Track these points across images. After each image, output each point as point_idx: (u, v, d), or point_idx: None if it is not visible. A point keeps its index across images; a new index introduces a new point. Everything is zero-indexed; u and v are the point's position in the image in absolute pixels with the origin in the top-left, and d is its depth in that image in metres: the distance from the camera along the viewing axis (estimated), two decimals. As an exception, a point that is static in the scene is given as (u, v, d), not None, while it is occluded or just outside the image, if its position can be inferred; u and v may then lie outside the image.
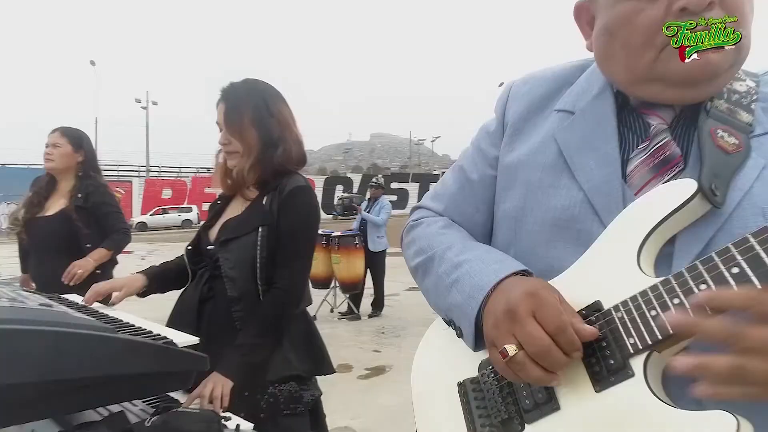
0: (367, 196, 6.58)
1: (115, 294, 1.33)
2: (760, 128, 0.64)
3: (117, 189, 33.69)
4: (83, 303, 1.26)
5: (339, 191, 36.81)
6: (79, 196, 2.45)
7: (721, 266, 0.51)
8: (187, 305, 1.34)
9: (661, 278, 0.56)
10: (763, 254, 0.49)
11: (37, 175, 2.66)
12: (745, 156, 0.62)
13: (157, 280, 1.41)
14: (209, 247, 1.36)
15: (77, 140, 2.50)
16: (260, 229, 1.30)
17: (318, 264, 5.82)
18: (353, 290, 5.96)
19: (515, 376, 0.61)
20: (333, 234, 5.99)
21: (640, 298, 0.57)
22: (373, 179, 6.53)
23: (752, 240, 0.50)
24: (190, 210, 31.60)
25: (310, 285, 1.60)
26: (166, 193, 34.25)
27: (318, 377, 1.45)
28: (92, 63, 29.65)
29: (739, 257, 0.51)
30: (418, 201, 1.07)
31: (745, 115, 0.65)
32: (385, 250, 6.03)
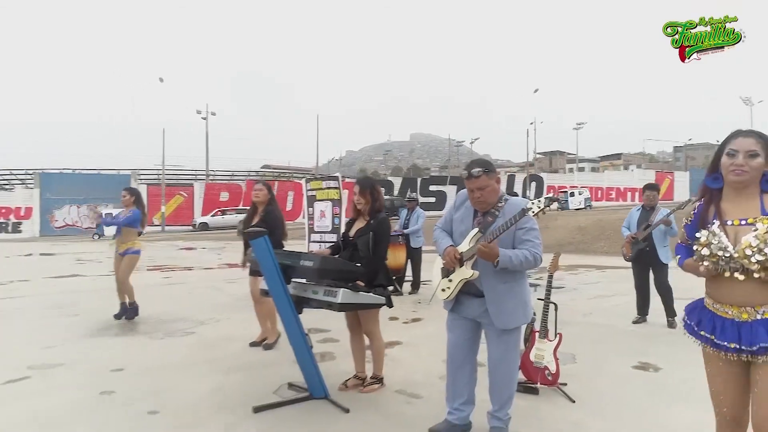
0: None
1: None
2: (499, 215, 2.89)
3: (180, 192, 37.33)
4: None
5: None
6: (263, 215, 4.87)
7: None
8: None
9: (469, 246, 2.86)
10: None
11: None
12: (493, 222, 2.88)
13: (333, 252, 3.77)
14: (350, 238, 3.71)
15: (269, 188, 4.94)
16: (370, 234, 3.62)
17: (372, 255, 8.20)
18: (397, 275, 8.27)
19: (446, 265, 2.91)
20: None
21: (466, 252, 2.85)
22: (409, 195, 8.83)
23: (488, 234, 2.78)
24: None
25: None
26: (224, 196, 37.36)
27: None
28: (161, 80, 32.99)
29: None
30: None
31: (496, 212, 2.92)
32: (422, 246, 8.34)
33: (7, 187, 46.61)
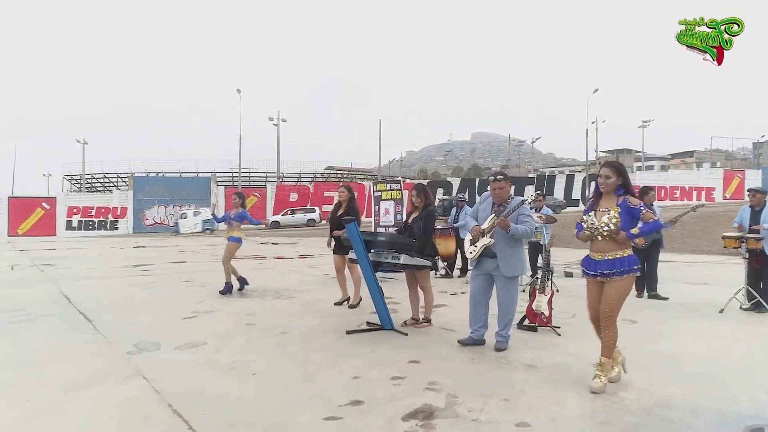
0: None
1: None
2: (508, 206, 4.62)
3: (254, 194, 40.59)
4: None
5: (440, 193, 40.89)
6: (347, 208, 6.73)
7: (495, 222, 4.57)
8: (404, 238, 5.50)
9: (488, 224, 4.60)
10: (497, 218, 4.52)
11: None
12: (505, 210, 4.61)
13: (398, 233, 5.59)
14: (409, 223, 5.51)
15: (349, 189, 6.81)
16: (422, 220, 5.41)
17: (428, 245, 9.98)
18: (448, 260, 10.01)
19: (473, 236, 4.68)
20: (437, 227, 10.05)
21: (486, 228, 4.59)
22: (458, 195, 10.53)
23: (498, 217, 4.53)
24: (313, 211, 37.10)
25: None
26: (293, 197, 40.23)
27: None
28: (238, 91, 36.13)
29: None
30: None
31: (506, 204, 4.65)
32: (469, 237, 10.05)
33: (101, 189, 52.01)
